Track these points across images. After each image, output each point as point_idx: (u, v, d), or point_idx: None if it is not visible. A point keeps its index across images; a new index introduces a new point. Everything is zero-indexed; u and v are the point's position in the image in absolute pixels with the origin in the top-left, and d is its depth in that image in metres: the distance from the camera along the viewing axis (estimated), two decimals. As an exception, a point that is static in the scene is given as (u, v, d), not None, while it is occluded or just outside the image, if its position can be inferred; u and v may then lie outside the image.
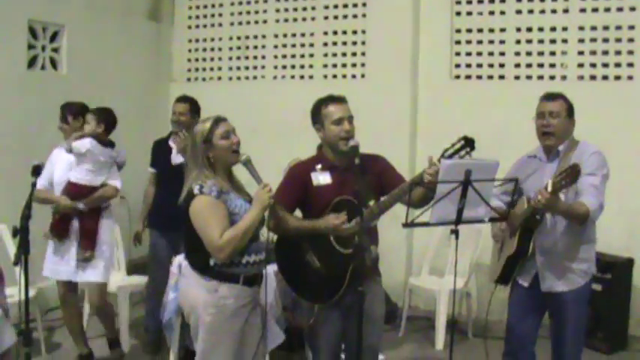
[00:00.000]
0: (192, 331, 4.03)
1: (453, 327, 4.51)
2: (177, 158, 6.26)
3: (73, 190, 5.34)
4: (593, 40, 7.02)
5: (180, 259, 5.33)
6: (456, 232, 3.90)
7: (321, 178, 4.20)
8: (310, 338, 4.43)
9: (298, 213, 4.35)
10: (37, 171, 3.83)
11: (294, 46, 8.53)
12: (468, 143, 3.92)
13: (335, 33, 8.25)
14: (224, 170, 3.95)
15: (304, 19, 8.44)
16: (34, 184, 3.76)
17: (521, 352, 4.68)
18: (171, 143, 6.33)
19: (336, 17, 8.22)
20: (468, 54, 7.62)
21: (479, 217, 3.95)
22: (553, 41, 7.20)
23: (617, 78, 6.96)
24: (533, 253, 4.43)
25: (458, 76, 7.69)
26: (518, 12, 7.33)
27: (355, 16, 8.09)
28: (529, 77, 7.33)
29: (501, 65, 7.45)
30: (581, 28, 7.05)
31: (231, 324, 3.87)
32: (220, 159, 3.90)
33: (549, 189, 3.91)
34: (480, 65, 7.57)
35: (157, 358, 6.18)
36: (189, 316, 4.01)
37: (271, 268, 4.82)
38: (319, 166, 4.22)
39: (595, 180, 4.25)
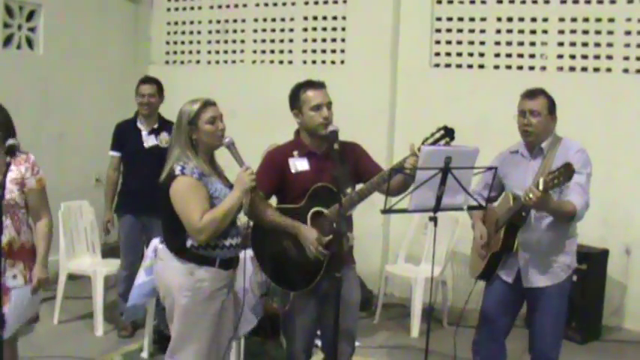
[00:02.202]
0: (167, 314, 4.02)
1: (430, 315, 4.51)
2: (149, 140, 6.23)
3: None
4: (573, 31, 7.04)
5: (156, 243, 5.30)
6: (434, 220, 3.89)
7: (299, 164, 4.18)
8: (285, 325, 4.42)
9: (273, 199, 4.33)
10: (10, 150, 3.76)
11: (273, 30, 8.48)
12: (448, 133, 3.94)
13: (315, 18, 8.22)
14: (206, 153, 3.92)
15: (284, 4, 8.40)
16: (8, 164, 3.69)
17: (491, 342, 4.70)
18: (139, 125, 6.29)
19: (316, 2, 8.18)
20: (448, 42, 7.61)
21: (458, 205, 3.95)
22: (533, 32, 7.21)
23: (596, 70, 7.00)
24: (517, 250, 4.44)
25: (437, 65, 7.68)
26: (499, 1, 7.32)
27: (336, 2, 8.06)
28: (509, 67, 7.33)
29: (481, 54, 7.46)
30: (562, 20, 7.08)
31: (206, 307, 3.87)
32: (203, 142, 3.87)
33: (540, 187, 3.89)
34: (459, 54, 7.56)
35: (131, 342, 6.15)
36: (165, 299, 4.00)
37: (248, 254, 4.83)
38: (296, 152, 4.21)
39: (581, 178, 4.24)
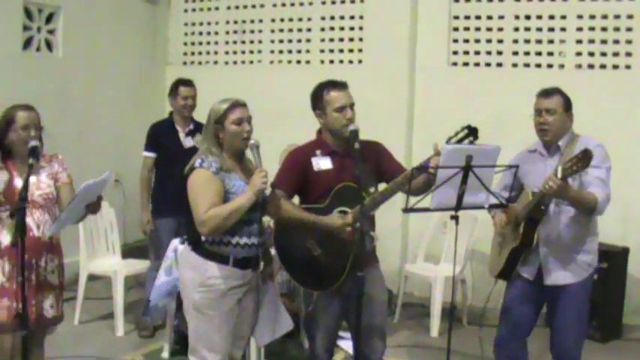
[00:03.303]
0: (184, 309, 4.06)
1: (452, 314, 4.50)
2: (188, 141, 6.24)
3: None
4: (592, 28, 7.02)
5: (176, 243, 5.32)
6: (456, 218, 3.90)
7: (322, 163, 4.19)
8: (308, 325, 4.42)
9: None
10: (34, 152, 3.84)
11: (291, 30, 8.50)
12: (472, 132, 3.93)
13: (332, 18, 8.23)
14: (233, 152, 3.94)
15: (302, 4, 8.41)
16: (31, 165, 3.76)
17: (513, 341, 4.68)
18: (177, 126, 6.31)
19: (333, 2, 8.20)
20: (466, 41, 7.61)
21: (479, 203, 3.95)
22: (551, 29, 7.19)
23: (615, 67, 6.96)
24: (536, 245, 4.42)
25: (455, 63, 7.68)
26: (517, -1, 7.32)
27: (353, 1, 8.08)
28: (527, 65, 7.31)
29: (499, 53, 7.45)
30: (580, 17, 7.05)
31: (220, 305, 3.88)
32: (229, 141, 3.90)
33: (559, 175, 3.90)
34: (477, 52, 7.56)
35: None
36: (181, 293, 4.07)
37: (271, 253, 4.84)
38: (319, 151, 4.22)
39: (601, 173, 4.24)
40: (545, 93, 4.46)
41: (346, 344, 5.50)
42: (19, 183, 3.95)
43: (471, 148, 3.82)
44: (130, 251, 7.29)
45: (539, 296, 4.57)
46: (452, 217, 3.90)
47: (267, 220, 4.56)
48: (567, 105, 4.44)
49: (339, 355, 5.66)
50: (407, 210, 3.88)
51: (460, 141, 3.90)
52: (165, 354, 5.82)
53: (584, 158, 3.84)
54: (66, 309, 6.55)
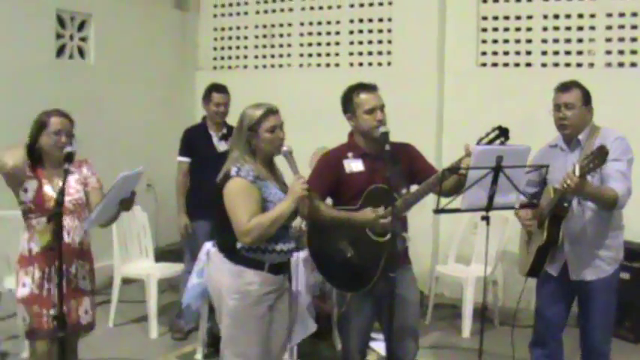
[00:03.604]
0: (217, 315, 4.07)
1: (483, 314, 4.50)
2: (221, 145, 6.30)
3: None
4: (621, 27, 6.98)
5: (208, 246, 5.38)
6: (487, 219, 3.89)
7: (354, 165, 4.22)
8: (341, 325, 4.46)
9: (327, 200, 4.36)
10: (69, 158, 3.88)
11: (319, 34, 8.55)
12: (503, 132, 3.93)
13: (361, 21, 8.26)
14: (264, 158, 3.95)
15: (330, 7, 8.45)
16: (66, 171, 3.80)
17: (549, 340, 4.68)
18: (210, 131, 6.37)
19: (361, 5, 8.23)
20: (495, 41, 7.60)
21: (510, 204, 3.95)
22: (580, 28, 7.16)
23: (646, 65, 6.92)
24: (562, 242, 4.41)
25: (484, 64, 7.67)
26: (546, -1, 7.31)
27: (381, 4, 8.11)
28: (556, 65, 7.28)
29: (528, 53, 7.43)
30: (609, 15, 7.01)
31: (255, 310, 3.88)
32: (261, 148, 3.90)
33: (577, 172, 3.89)
34: (506, 53, 7.55)
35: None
36: (215, 300, 4.06)
37: (301, 256, 4.88)
38: (351, 154, 4.24)
39: (621, 165, 4.22)
40: (563, 87, 4.45)
41: (379, 346, 5.52)
42: (48, 190, 4.00)
43: (501, 148, 3.82)
44: (162, 255, 7.36)
45: (567, 293, 4.58)
46: (482, 218, 3.89)
47: (299, 223, 4.61)
48: (586, 98, 4.42)
49: (372, 356, 5.68)
50: (438, 211, 3.89)
51: (491, 142, 3.90)
52: (199, 356, 5.87)
53: (600, 155, 3.84)
54: (100, 312, 6.71)
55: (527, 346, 4.80)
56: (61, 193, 3.74)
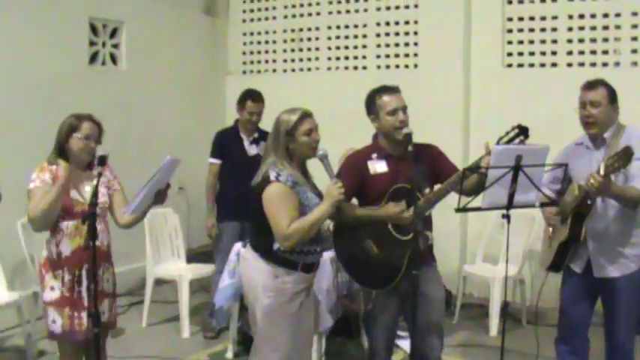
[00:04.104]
0: (250, 314, 4.16)
1: (505, 311, 4.57)
2: (252, 149, 6.42)
3: None
4: (647, 25, 6.98)
5: (238, 247, 5.50)
6: (507, 217, 3.96)
7: (378, 166, 4.30)
8: (368, 323, 4.54)
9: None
10: (102, 161, 3.98)
11: (347, 37, 8.63)
12: (522, 131, 4.00)
13: (387, 24, 8.32)
14: (299, 162, 4.04)
15: (357, 11, 8.53)
16: (99, 174, 3.91)
17: (574, 337, 4.71)
18: (242, 134, 6.49)
19: (388, 8, 8.30)
20: (520, 42, 7.62)
21: (530, 202, 4.01)
22: (606, 27, 7.16)
23: (673, 63, 6.90)
24: (584, 239, 4.44)
25: (510, 65, 7.69)
26: (570, -1, 7.33)
27: (407, 7, 8.16)
28: (581, 64, 7.29)
29: (553, 53, 7.44)
30: (635, 14, 7.00)
31: (288, 307, 3.98)
32: (299, 152, 3.99)
33: (602, 172, 3.93)
34: (532, 53, 7.56)
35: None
36: (248, 298, 4.15)
37: (327, 255, 4.97)
38: (375, 155, 4.33)
39: None
40: (589, 85, 4.48)
41: (405, 344, 5.59)
42: (74, 194, 4.09)
43: (520, 147, 3.89)
44: (194, 256, 7.51)
45: (591, 290, 4.60)
46: (503, 216, 3.97)
47: (328, 224, 4.71)
48: (612, 97, 4.44)
49: (399, 354, 5.76)
50: (460, 210, 3.98)
51: (510, 140, 3.97)
52: (229, 354, 5.99)
53: (625, 155, 3.88)
54: (134, 312, 6.90)
55: (554, 342, 4.85)
56: (95, 195, 3.83)
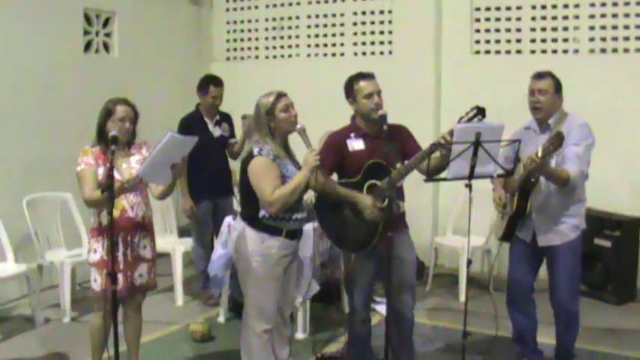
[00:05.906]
0: (239, 277, 4.58)
1: (467, 273, 5.02)
2: (216, 131, 6.81)
3: None
4: (603, 15, 7.39)
5: (229, 220, 5.87)
6: (469, 186, 4.37)
7: (356, 144, 4.73)
8: (348, 284, 5.00)
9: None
10: (114, 140, 4.31)
11: (325, 26, 8.92)
12: (480, 111, 4.42)
13: (363, 13, 8.64)
14: (281, 138, 4.44)
15: (335, 1, 8.81)
16: (112, 152, 4.21)
17: (521, 298, 5.19)
18: (206, 118, 6.84)
19: (364, -2, 8.59)
20: (487, 30, 8.01)
21: (489, 173, 4.42)
22: (566, 17, 7.57)
23: (626, 51, 7.33)
24: (530, 212, 4.92)
25: (478, 52, 8.09)
26: (534, -10, 7.68)
27: (382, -3, 8.46)
28: (544, 51, 7.69)
29: (518, 40, 7.83)
30: (592, 5, 7.43)
31: (274, 270, 4.43)
32: (280, 128, 4.38)
33: (539, 154, 4.41)
34: (498, 41, 7.96)
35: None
36: (238, 264, 4.57)
37: (310, 226, 5.40)
38: (353, 134, 4.76)
39: (579, 150, 4.73)
40: (539, 75, 4.94)
41: (382, 308, 6.00)
42: (114, 173, 4.31)
43: (479, 125, 4.28)
44: (182, 232, 7.84)
45: (537, 257, 5.11)
46: (466, 186, 4.37)
47: (310, 196, 5.16)
48: (558, 87, 4.91)
49: (376, 317, 6.12)
50: (428, 180, 4.44)
51: (470, 119, 4.37)
52: (221, 319, 6.44)
53: (557, 139, 4.37)
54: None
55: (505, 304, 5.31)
56: (109, 175, 4.13)
